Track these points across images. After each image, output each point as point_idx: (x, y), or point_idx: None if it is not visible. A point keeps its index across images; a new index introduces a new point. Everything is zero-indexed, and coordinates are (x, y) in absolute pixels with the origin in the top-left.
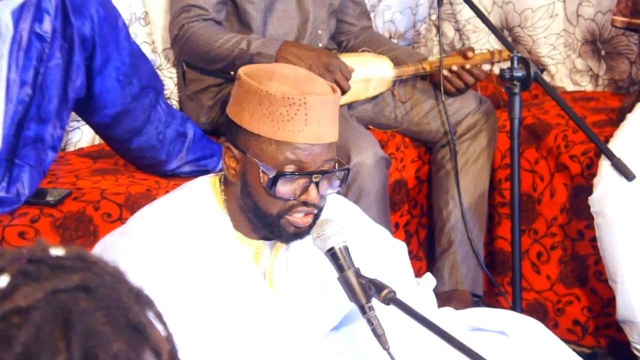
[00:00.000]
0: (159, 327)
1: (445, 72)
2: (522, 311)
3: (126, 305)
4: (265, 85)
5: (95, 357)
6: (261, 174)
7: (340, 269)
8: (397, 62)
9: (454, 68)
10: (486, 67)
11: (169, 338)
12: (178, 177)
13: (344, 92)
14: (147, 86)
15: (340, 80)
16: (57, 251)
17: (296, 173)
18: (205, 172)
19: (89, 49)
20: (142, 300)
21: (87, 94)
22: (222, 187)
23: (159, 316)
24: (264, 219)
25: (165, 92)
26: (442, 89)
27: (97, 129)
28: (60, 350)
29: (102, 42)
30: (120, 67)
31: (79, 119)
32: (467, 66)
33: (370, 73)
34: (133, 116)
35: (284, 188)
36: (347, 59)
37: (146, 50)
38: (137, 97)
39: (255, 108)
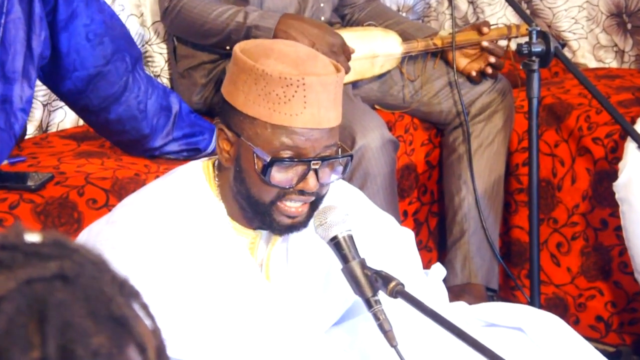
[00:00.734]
0: (145, 320)
1: (487, 68)
2: (540, 306)
3: (108, 297)
4: (261, 64)
5: (73, 353)
6: (255, 160)
7: (344, 259)
8: (405, 37)
9: (492, 60)
10: (502, 43)
11: (156, 332)
12: (167, 157)
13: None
14: (122, 49)
15: (343, 63)
16: (32, 237)
17: (293, 159)
18: (196, 151)
19: (51, 1)
20: (126, 291)
21: (53, 54)
22: (216, 172)
23: (145, 308)
24: (256, 207)
25: (154, 69)
26: (454, 65)
27: (71, 98)
28: (35, 345)
29: None
30: (89, 25)
31: (57, 95)
32: (484, 43)
33: (377, 49)
34: (108, 81)
35: (279, 175)
36: (351, 33)
37: (134, 23)
38: (110, 60)
39: (250, 88)
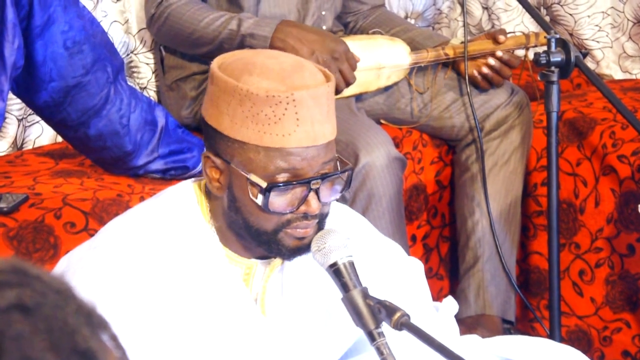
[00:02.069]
0: (115, 352)
1: (483, 67)
2: (561, 340)
3: (73, 328)
4: (244, 82)
5: None
6: (249, 187)
7: (344, 287)
8: (414, 47)
9: (491, 62)
10: (520, 53)
11: None
12: (152, 176)
13: (348, 84)
14: (103, 58)
15: (346, 71)
16: None
17: (291, 182)
18: (184, 169)
19: (25, 6)
20: (93, 321)
21: (27, 64)
22: (208, 198)
23: (114, 340)
24: (258, 237)
25: (140, 80)
26: (466, 76)
27: (47, 112)
28: None
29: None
30: (68, 32)
31: (32, 109)
32: (498, 53)
33: (383, 59)
34: (88, 93)
35: (278, 201)
36: (356, 42)
37: (118, 31)
38: (90, 70)
39: (235, 110)
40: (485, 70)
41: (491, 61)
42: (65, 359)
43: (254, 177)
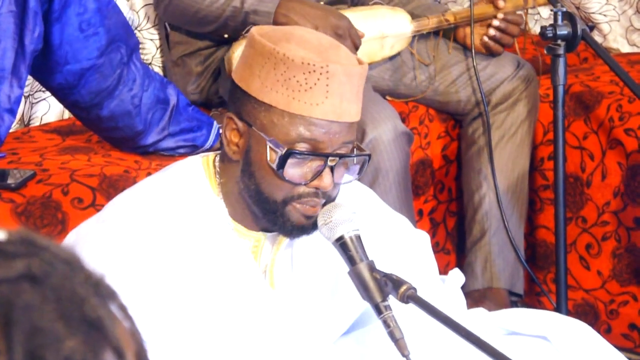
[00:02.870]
0: (123, 322)
1: (491, 31)
2: (568, 313)
3: (82, 297)
4: (282, 47)
5: (43, 359)
6: (269, 151)
7: (351, 261)
8: (414, 17)
9: (496, 23)
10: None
11: (135, 335)
12: (161, 154)
13: None
14: (118, 39)
15: (349, 48)
16: None
17: (310, 153)
18: (193, 147)
19: None
20: (102, 291)
21: (44, 47)
22: (218, 169)
23: (123, 310)
24: (266, 205)
25: (145, 57)
26: (472, 50)
27: (60, 93)
28: (0, 351)
29: None
30: (83, 14)
31: (45, 88)
32: (500, 15)
33: (385, 29)
34: (101, 74)
35: (293, 170)
36: (357, 13)
37: (122, 7)
38: (105, 52)
39: (268, 73)
40: (492, 32)
41: (495, 22)
42: (75, 329)
43: (274, 142)
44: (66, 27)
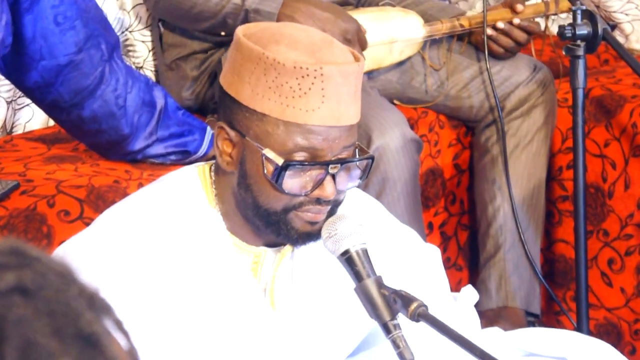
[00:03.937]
0: (118, 338)
1: (489, 30)
2: (589, 333)
3: (76, 312)
4: (271, 51)
5: None
6: (264, 163)
7: (357, 277)
8: (427, 20)
9: (500, 25)
10: (540, 22)
11: (131, 352)
12: (151, 162)
13: None
14: (97, 34)
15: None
16: None
17: (309, 162)
18: (185, 154)
19: None
20: (96, 305)
21: (16, 41)
22: (214, 179)
23: (118, 325)
24: (266, 217)
25: (136, 59)
26: (486, 52)
27: (38, 93)
28: None
29: None
30: (58, 6)
31: (22, 91)
32: (516, 21)
33: (395, 33)
34: (81, 72)
35: (292, 181)
36: (366, 15)
37: (112, 7)
38: (83, 47)
39: (258, 79)
40: (489, 31)
41: (500, 24)
42: (69, 344)
43: (269, 153)
44: (39, 20)
